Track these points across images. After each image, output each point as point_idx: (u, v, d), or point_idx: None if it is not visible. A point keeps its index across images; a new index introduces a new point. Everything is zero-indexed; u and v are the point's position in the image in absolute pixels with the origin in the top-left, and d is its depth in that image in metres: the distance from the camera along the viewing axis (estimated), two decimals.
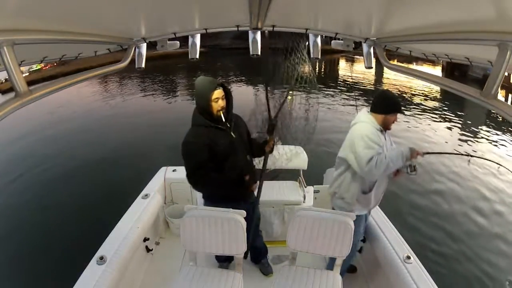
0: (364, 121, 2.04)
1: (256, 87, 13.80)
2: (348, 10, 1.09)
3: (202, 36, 1.54)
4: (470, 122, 8.97)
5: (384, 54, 1.49)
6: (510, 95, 11.97)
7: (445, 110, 10.35)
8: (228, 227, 1.80)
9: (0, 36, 0.67)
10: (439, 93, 12.39)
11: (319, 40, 1.63)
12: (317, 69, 21.68)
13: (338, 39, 1.53)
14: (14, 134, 8.00)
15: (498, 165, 2.29)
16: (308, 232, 1.84)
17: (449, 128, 8.68)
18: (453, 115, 9.72)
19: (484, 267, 3.61)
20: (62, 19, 0.81)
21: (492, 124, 8.67)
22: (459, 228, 4.38)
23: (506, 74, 0.81)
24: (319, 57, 1.67)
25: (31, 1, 0.62)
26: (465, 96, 0.90)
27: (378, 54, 1.54)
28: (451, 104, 10.46)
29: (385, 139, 2.05)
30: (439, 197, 5.06)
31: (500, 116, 0.81)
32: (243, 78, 15.69)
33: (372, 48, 1.57)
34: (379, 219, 2.39)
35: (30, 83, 0.80)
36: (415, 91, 13.26)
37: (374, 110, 2.06)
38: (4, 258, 3.67)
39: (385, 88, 12.70)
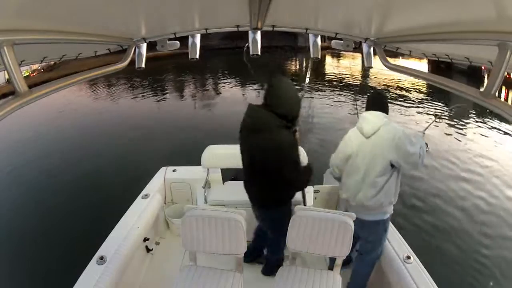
0: (389, 122, 2.02)
1: (247, 87, 14.00)
2: (348, 10, 1.09)
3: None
4: (455, 112, 9.23)
5: (384, 54, 1.49)
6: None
7: (430, 101, 10.76)
8: (228, 227, 1.80)
9: (0, 36, 0.67)
10: (424, 85, 12.74)
11: (319, 40, 1.63)
12: (303, 66, 22.09)
13: (338, 39, 1.53)
14: (15, 134, 8.01)
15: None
16: (308, 232, 1.84)
17: (436, 116, 9.02)
18: (439, 104, 10.02)
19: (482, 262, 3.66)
20: (62, 19, 0.81)
21: (477, 111, 8.98)
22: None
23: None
24: (319, 57, 1.67)
25: (31, 1, 0.62)
26: (465, 96, 0.90)
27: (378, 54, 1.54)
28: (436, 94, 10.81)
29: None
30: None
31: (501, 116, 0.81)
32: (233, 77, 15.97)
33: (372, 48, 1.57)
34: None
35: None
36: (401, 83, 13.67)
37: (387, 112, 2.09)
38: (4, 258, 3.67)
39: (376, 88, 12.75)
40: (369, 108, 2.11)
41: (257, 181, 2.09)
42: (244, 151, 2.08)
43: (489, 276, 3.49)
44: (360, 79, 16.04)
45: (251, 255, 2.51)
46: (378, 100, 2.13)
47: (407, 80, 13.81)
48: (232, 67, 17.60)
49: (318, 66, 20.08)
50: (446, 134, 7.57)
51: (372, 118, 2.05)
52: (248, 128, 1.97)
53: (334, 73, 17.60)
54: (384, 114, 2.05)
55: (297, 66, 22.26)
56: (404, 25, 1.10)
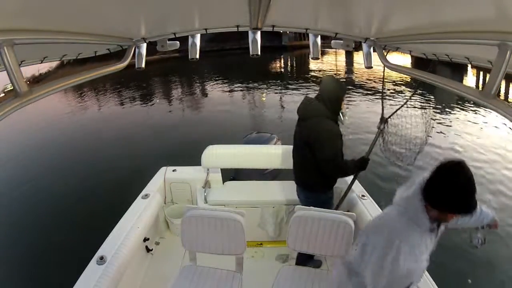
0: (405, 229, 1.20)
1: (233, 88, 14.10)
2: (348, 10, 1.09)
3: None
4: (441, 105, 9.27)
5: (384, 54, 1.49)
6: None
7: (417, 95, 10.76)
8: (228, 227, 1.80)
9: (0, 36, 0.67)
10: (409, 79, 12.89)
11: (319, 40, 1.63)
12: (288, 65, 22.15)
13: (338, 39, 1.53)
14: (15, 135, 8.02)
15: None
16: (308, 232, 1.84)
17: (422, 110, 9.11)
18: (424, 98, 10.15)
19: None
20: (62, 19, 0.81)
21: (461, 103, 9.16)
22: None
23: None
24: (319, 57, 1.67)
25: (31, 1, 0.62)
26: (465, 96, 0.90)
27: (378, 54, 1.54)
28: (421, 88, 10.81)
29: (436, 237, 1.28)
30: None
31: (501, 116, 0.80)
32: (219, 79, 16.13)
33: (372, 48, 1.57)
34: None
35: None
36: (385, 79, 13.63)
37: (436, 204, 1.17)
38: (5, 258, 3.67)
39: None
40: None
41: (304, 164, 2.28)
42: (295, 135, 2.34)
43: None
44: (344, 75, 16.57)
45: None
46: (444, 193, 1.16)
47: (389, 74, 14.00)
48: (218, 69, 17.88)
49: (303, 64, 20.28)
50: None
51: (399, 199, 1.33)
52: (300, 116, 2.25)
53: (319, 70, 17.98)
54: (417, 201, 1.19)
55: (282, 65, 22.39)
56: (404, 25, 1.10)
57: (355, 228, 1.82)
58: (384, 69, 1.81)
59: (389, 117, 2.33)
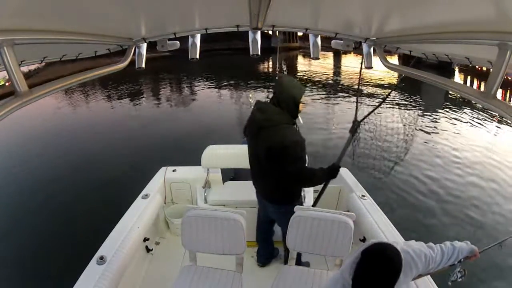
0: None
1: (230, 88, 14.24)
2: (348, 10, 1.09)
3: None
4: (429, 105, 9.40)
5: (384, 54, 1.50)
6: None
7: (403, 96, 11.18)
8: (228, 227, 1.80)
9: (0, 36, 0.67)
10: (397, 80, 13.30)
11: (319, 40, 1.63)
12: (277, 66, 22.55)
13: (338, 39, 1.53)
14: (15, 133, 8.02)
15: None
16: (308, 232, 1.84)
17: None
18: (411, 99, 10.23)
19: None
20: (62, 19, 0.81)
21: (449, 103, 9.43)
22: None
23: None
24: (319, 57, 1.68)
25: (31, 1, 0.62)
26: (465, 96, 0.90)
27: (378, 54, 1.54)
28: (408, 89, 11.16)
29: None
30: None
31: (500, 115, 0.81)
32: (214, 80, 16.32)
33: (372, 48, 1.57)
34: (379, 219, 2.38)
35: None
36: (374, 80, 14.04)
37: None
38: (4, 258, 3.67)
39: None
40: None
41: (268, 177, 2.05)
42: (253, 147, 2.07)
43: None
44: (332, 73, 17.10)
45: (266, 257, 2.52)
46: None
47: (380, 74, 14.11)
48: (208, 69, 18.08)
49: (292, 65, 20.39)
50: None
51: None
52: (259, 124, 1.96)
53: (307, 70, 18.29)
54: None
55: (271, 66, 22.56)
56: (404, 25, 1.10)
57: (354, 228, 1.82)
58: (360, 69, 1.78)
59: (363, 119, 2.16)
